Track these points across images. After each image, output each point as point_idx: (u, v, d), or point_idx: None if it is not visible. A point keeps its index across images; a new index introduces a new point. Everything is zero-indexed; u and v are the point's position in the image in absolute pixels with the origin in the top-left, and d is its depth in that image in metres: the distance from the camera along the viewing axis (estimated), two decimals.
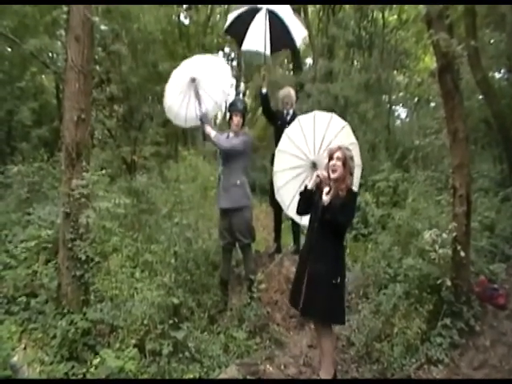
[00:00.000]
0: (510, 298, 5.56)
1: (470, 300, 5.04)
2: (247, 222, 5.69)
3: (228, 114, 5.98)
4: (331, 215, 4.14)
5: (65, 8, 4.64)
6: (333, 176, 4.21)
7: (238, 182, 5.64)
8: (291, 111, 6.57)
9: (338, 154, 4.20)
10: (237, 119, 5.70)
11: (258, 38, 6.35)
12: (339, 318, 4.28)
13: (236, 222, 5.61)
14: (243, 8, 6.57)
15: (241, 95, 21.72)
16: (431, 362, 4.58)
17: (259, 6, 6.42)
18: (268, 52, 6.39)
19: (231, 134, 5.74)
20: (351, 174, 4.25)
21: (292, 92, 6.66)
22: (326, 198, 4.19)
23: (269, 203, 6.51)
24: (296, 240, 6.55)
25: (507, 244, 6.69)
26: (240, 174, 5.69)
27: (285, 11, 6.48)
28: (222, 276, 5.77)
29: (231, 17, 6.70)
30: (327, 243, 4.24)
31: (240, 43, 6.66)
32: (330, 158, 4.26)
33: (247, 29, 6.51)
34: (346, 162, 4.19)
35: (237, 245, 5.80)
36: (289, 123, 6.44)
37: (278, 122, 6.55)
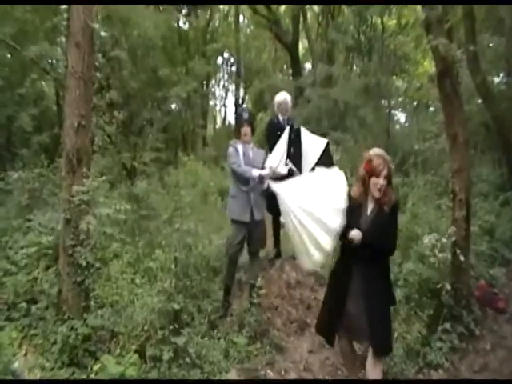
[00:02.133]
0: (510, 302, 5.58)
1: (470, 304, 5.05)
2: (265, 230, 5.82)
3: (235, 127, 5.86)
4: (373, 239, 3.74)
5: (65, 14, 4.65)
6: (377, 196, 3.74)
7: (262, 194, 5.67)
8: (287, 117, 6.47)
9: (385, 173, 3.68)
10: (244, 130, 5.53)
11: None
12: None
13: (258, 231, 5.64)
14: None
15: (241, 102, 21.75)
16: (431, 366, 4.58)
17: None
18: None
19: (239, 146, 5.53)
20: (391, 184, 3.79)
21: (288, 98, 6.49)
22: (356, 234, 3.74)
23: (266, 208, 6.47)
24: None
25: (507, 248, 6.71)
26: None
27: None
28: (227, 283, 5.69)
29: None
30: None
31: None
32: (374, 173, 3.70)
33: None
34: (391, 177, 3.77)
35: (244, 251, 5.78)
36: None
37: (277, 133, 6.30)
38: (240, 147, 5.54)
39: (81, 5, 4.48)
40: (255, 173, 5.32)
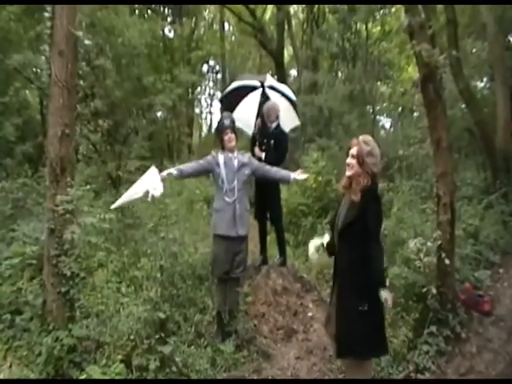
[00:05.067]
0: (495, 305, 5.62)
1: (456, 307, 5.08)
2: (246, 250, 5.44)
3: (218, 135, 5.38)
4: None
5: (48, 23, 4.61)
6: (347, 174, 3.69)
7: (248, 206, 5.41)
8: (274, 125, 6.28)
9: (352, 151, 3.65)
10: (229, 136, 5.21)
11: (246, 115, 6.43)
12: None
13: (241, 250, 5.26)
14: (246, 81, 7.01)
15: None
16: (418, 370, 4.58)
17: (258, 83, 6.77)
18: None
19: (220, 156, 5.23)
20: (370, 173, 3.61)
21: (276, 106, 6.32)
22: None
23: (254, 216, 6.44)
24: (282, 252, 6.51)
25: (491, 251, 6.78)
26: (247, 198, 5.45)
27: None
28: (220, 310, 5.28)
29: (230, 87, 7.03)
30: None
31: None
32: (347, 153, 3.73)
33: (238, 103, 6.75)
34: (363, 159, 3.60)
35: None
36: (273, 137, 6.35)
37: (264, 140, 6.30)
38: (221, 158, 5.24)
39: (65, 12, 4.44)
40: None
